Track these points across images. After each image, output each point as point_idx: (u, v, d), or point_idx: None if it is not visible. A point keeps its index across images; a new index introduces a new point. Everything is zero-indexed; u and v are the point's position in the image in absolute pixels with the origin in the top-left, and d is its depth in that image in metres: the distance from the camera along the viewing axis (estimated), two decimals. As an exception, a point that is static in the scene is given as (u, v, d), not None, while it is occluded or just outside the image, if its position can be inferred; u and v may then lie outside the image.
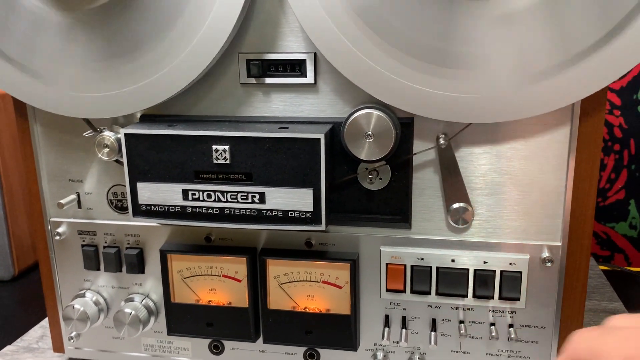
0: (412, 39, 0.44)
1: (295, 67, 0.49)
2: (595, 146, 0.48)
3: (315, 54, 0.49)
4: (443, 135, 0.49)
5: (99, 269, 0.58)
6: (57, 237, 0.58)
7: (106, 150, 0.52)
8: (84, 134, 0.53)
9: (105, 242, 0.57)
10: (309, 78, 0.49)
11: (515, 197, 0.50)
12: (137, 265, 0.57)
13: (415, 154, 0.50)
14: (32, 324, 0.74)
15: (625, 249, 0.99)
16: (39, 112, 0.55)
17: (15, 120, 0.56)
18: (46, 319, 0.74)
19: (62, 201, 0.55)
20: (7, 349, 0.68)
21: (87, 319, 0.57)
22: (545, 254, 0.50)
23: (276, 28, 0.49)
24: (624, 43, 0.42)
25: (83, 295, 0.58)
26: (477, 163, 0.49)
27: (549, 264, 0.50)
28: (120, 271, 0.58)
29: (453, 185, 0.50)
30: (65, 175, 0.57)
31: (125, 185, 0.55)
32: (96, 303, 0.58)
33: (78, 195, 0.57)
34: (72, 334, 0.59)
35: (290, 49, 0.49)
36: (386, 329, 0.54)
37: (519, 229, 0.50)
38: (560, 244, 0.50)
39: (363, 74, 0.46)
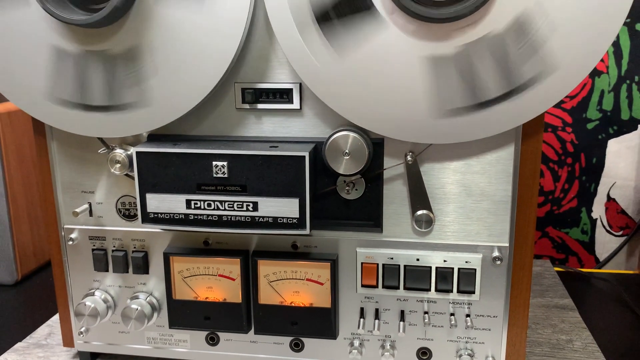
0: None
1: (283, 95, 0.56)
2: (535, 162, 0.55)
3: (300, 84, 0.56)
4: (410, 153, 0.56)
5: (107, 271, 0.64)
6: (70, 242, 0.64)
7: (118, 165, 0.59)
8: (98, 151, 0.59)
9: (114, 246, 0.64)
10: (295, 104, 0.56)
11: (470, 205, 0.57)
12: (143, 266, 0.63)
13: (385, 169, 0.57)
14: (38, 324, 0.79)
15: (578, 252, 1.08)
16: (56, 130, 0.61)
17: (34, 138, 0.62)
18: (52, 319, 0.80)
19: (77, 210, 0.61)
20: (18, 345, 0.74)
21: (97, 315, 0.63)
22: (495, 254, 0.57)
23: (267, 62, 0.56)
24: (556, 77, 0.50)
25: (93, 294, 0.64)
26: (437, 177, 0.57)
27: (498, 262, 0.57)
28: (127, 272, 0.64)
29: (418, 195, 0.57)
30: (79, 187, 0.63)
31: (132, 196, 0.62)
32: (105, 301, 0.64)
33: (90, 205, 0.63)
34: (82, 329, 0.65)
35: (279, 79, 0.56)
36: (361, 320, 0.60)
37: (473, 232, 0.58)
38: (507, 245, 0.57)
39: (340, 102, 0.53)
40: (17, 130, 0.89)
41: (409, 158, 0.56)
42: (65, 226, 0.64)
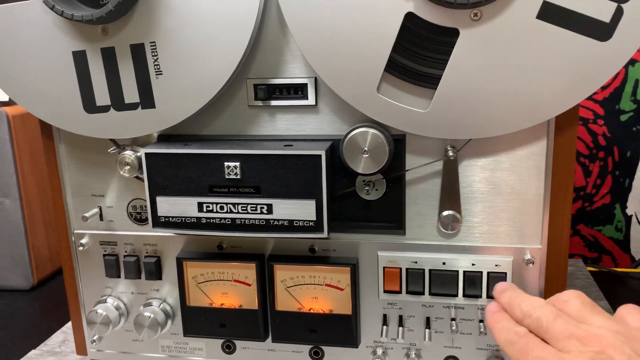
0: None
1: (297, 90, 0.54)
2: (569, 157, 0.52)
3: (315, 79, 0.53)
4: (452, 148, 0.52)
5: (119, 277, 0.62)
6: (81, 248, 0.62)
7: (127, 167, 0.56)
8: (109, 150, 0.57)
9: (126, 252, 0.62)
10: (310, 100, 0.54)
11: (499, 205, 0.54)
12: (155, 272, 0.61)
13: (407, 170, 0.54)
14: (53, 330, 0.78)
15: (612, 251, 1.03)
16: (64, 132, 0.59)
17: (42, 141, 0.60)
18: (66, 325, 0.79)
19: (87, 214, 0.59)
20: (32, 352, 0.73)
21: (109, 323, 0.61)
22: (527, 256, 0.54)
23: (280, 56, 0.53)
24: (590, 66, 0.47)
25: (105, 301, 0.63)
26: (464, 174, 0.53)
27: (530, 265, 0.54)
28: (139, 278, 0.62)
29: (451, 193, 0.53)
30: (88, 191, 0.61)
31: (143, 199, 0.60)
32: (117, 308, 0.63)
33: (100, 209, 0.61)
34: (95, 337, 0.64)
35: (293, 74, 0.53)
36: (384, 327, 0.58)
37: (503, 234, 0.54)
38: (540, 246, 0.54)
39: (359, 97, 0.50)
40: (30, 132, 0.88)
41: (450, 153, 0.52)
42: (76, 231, 0.62)
